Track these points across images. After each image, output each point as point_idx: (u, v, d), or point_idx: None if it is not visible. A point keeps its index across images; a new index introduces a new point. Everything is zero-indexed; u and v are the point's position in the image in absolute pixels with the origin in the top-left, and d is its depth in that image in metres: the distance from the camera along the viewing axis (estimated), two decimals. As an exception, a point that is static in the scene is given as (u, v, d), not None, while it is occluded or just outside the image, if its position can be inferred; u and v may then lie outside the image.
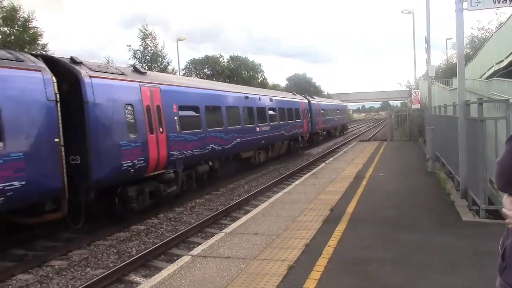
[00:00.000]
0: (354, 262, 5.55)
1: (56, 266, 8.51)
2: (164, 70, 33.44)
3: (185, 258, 5.85)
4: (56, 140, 8.32)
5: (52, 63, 8.92)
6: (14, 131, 7.51)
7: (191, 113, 13.67)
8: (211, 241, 6.64)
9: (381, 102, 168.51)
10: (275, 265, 5.49)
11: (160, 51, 33.78)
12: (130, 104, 10.43)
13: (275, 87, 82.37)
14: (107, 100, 9.69)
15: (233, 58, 60.21)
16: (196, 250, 6.16)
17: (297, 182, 12.23)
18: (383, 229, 7.06)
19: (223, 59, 59.50)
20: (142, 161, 10.76)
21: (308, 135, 28.65)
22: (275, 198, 9.96)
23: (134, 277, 7.78)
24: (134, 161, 10.44)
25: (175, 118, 12.36)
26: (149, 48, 33.49)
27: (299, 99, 28.12)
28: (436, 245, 6.12)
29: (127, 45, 36.40)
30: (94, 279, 7.31)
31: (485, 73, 23.58)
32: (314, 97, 35.71)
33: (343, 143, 34.51)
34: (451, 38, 44.76)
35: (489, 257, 5.54)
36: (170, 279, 5.16)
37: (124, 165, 10.11)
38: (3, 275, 8.04)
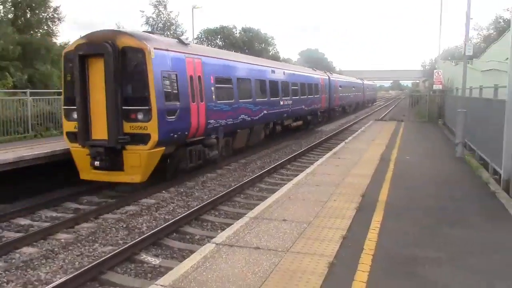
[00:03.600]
0: (402, 262, 4.83)
1: (62, 240, 7.92)
2: None
3: (209, 246, 5.14)
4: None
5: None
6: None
7: (225, 84, 14.47)
8: (235, 226, 5.92)
9: (391, 81, 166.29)
10: (313, 260, 4.77)
11: (174, 19, 32.62)
12: (175, 74, 11.34)
13: (286, 61, 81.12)
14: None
15: (245, 30, 58.85)
16: (221, 237, 5.45)
17: (318, 162, 11.49)
18: (425, 222, 6.32)
19: (236, 30, 58.10)
20: (185, 127, 11.78)
21: (326, 110, 29.79)
22: (298, 179, 9.25)
23: (145, 257, 7.18)
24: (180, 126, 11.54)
25: (212, 88, 13.16)
26: (162, 16, 32.32)
27: (319, 74, 28.62)
28: (492, 245, 5.39)
29: (140, 11, 35.15)
30: (103, 258, 6.70)
31: None
32: (333, 74, 36.92)
33: (355, 122, 33.73)
34: (472, 18, 43.19)
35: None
36: (194, 272, 4.46)
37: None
38: (7, 247, 7.50)
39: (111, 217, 9.51)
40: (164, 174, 11.92)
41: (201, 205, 10.00)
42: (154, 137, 10.39)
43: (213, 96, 13.17)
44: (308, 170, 10.22)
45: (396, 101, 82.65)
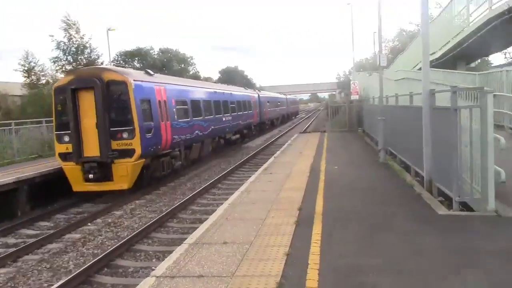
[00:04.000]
0: (348, 273, 4.83)
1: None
2: (93, 63, 31.09)
3: (149, 281, 4.76)
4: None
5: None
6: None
7: (183, 106, 17.30)
8: (175, 255, 5.59)
9: (309, 94, 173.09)
10: (260, 283, 4.60)
11: (87, 42, 31.25)
12: (149, 100, 14.08)
13: (207, 80, 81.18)
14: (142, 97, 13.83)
15: (163, 51, 58.23)
16: (160, 269, 5.10)
17: (251, 179, 11.42)
18: (361, 230, 6.43)
19: (154, 51, 57.28)
20: (158, 142, 14.48)
21: (258, 124, 34.27)
22: (233, 198, 9.07)
23: (74, 300, 6.57)
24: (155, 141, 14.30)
25: (174, 110, 15.95)
26: (73, 39, 30.83)
27: (250, 92, 33.36)
28: (426, 246, 5.57)
29: (50, 35, 33.20)
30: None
31: (417, 64, 24.28)
32: (261, 91, 42.26)
33: (280, 136, 34.41)
34: (376, 32, 46.37)
35: (489, 256, 5.11)
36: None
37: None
38: None
39: (32, 258, 8.70)
40: (141, 182, 14.00)
41: (132, 234, 9.53)
42: (138, 151, 13.05)
43: (175, 116, 16.00)
44: (241, 188, 10.10)
45: (316, 112, 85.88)
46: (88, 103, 12.87)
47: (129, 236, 9.40)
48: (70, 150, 13.03)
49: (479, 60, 28.63)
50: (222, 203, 9.19)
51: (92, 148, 12.92)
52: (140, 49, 54.17)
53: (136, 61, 54.52)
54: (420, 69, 20.18)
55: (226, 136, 24.38)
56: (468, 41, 17.65)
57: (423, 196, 8.29)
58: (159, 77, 16.22)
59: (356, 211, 7.59)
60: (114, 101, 13.03)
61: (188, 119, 17.46)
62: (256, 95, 34.75)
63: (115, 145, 12.86)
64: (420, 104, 9.10)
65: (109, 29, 29.00)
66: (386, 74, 22.49)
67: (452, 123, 7.13)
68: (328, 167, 12.52)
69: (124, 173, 12.91)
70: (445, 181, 7.76)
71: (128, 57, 53.53)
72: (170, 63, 56.48)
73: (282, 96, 55.72)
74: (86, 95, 12.87)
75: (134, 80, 13.30)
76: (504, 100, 12.80)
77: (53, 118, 13.67)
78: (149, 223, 10.35)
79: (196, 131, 18.30)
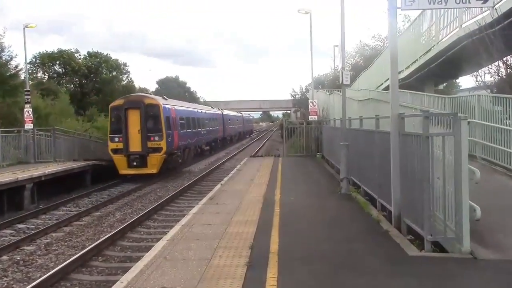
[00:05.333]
0: (310, 325, 4.78)
1: None
2: (5, 66, 29.93)
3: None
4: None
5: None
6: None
7: (183, 121, 28.15)
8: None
9: (261, 113, 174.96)
10: (207, 338, 4.44)
11: (-1, 41, 29.98)
12: (167, 116, 24.59)
13: (142, 91, 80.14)
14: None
15: (91, 55, 56.93)
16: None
17: (194, 210, 11.24)
18: (324, 271, 6.44)
19: (79, 55, 55.97)
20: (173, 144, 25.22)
21: (221, 138, 46.03)
22: (173, 233, 8.84)
23: None
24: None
25: (179, 123, 26.72)
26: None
27: (216, 110, 46.66)
28: (397, 292, 5.66)
29: None
30: None
31: (382, 83, 25.24)
32: (223, 109, 54.20)
33: (226, 159, 34.49)
34: (338, 45, 47.81)
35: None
36: None
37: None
38: None
39: None
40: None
41: (47, 275, 9.01)
42: (164, 149, 23.19)
43: (179, 128, 26.89)
44: (183, 221, 9.90)
45: (269, 133, 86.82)
46: (134, 117, 23.25)
47: (42, 278, 8.91)
48: (120, 147, 23.09)
49: (445, 84, 30.17)
50: (159, 238, 8.99)
51: (135, 145, 23.15)
52: (62, 51, 52.74)
53: (57, 65, 53.05)
54: (385, 89, 21.10)
55: (202, 146, 35.27)
56: (436, 61, 18.60)
57: (391, 234, 8.45)
58: (170, 101, 27.76)
59: (317, 249, 7.61)
60: (150, 116, 23.56)
61: (185, 131, 28.51)
62: (220, 113, 47.78)
63: (150, 144, 23.18)
64: (388, 129, 9.36)
65: (26, 26, 27.68)
66: (348, 93, 23.19)
67: (423, 152, 7.36)
68: (283, 197, 12.58)
69: (155, 162, 23.11)
70: (415, 217, 7.95)
71: (48, 60, 51.92)
72: (99, 70, 55.32)
73: (239, 114, 68.53)
74: (133, 112, 23.35)
75: (163, 104, 24.53)
76: (475, 128, 13.47)
77: (108, 126, 24.45)
78: (68, 261, 9.89)
79: (189, 140, 29.51)
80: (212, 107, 47.03)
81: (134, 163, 22.95)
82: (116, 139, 23.22)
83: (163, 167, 24.00)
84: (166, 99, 26.82)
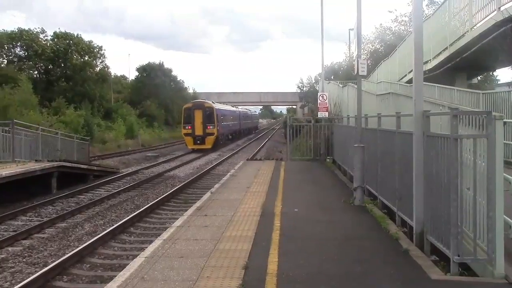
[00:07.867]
0: None
1: None
2: None
3: None
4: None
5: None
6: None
7: (223, 116, 55.95)
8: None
9: (261, 107, 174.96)
10: None
11: None
12: (217, 114, 52.21)
13: (120, 81, 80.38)
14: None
15: (59, 36, 57.05)
16: None
17: (178, 222, 11.30)
18: (332, 299, 6.50)
19: (44, 36, 56.13)
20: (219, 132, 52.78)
21: (248, 129, 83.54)
22: (153, 249, 8.90)
23: None
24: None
25: (221, 118, 53.77)
26: None
27: (245, 109, 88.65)
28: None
29: None
30: None
31: (405, 75, 25.34)
32: (239, 107, 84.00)
33: (218, 162, 34.69)
34: (353, 29, 47.67)
35: None
36: None
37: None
38: None
39: None
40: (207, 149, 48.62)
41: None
42: (215, 134, 49.28)
43: (221, 122, 52.81)
44: (164, 236, 9.97)
45: (270, 132, 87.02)
46: (198, 115, 48.39)
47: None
48: (189, 131, 47.87)
49: (480, 77, 30.27)
50: (136, 255, 9.05)
51: (199, 131, 47.75)
52: (22, 31, 52.95)
53: (18, 47, 53.24)
54: (409, 81, 21.16)
55: (229, 135, 61.35)
56: (470, 50, 18.62)
57: (411, 254, 8.52)
58: (216, 104, 53.67)
59: (324, 272, 7.66)
60: (208, 115, 48.66)
61: (223, 123, 54.11)
62: (244, 110, 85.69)
63: (207, 130, 47.99)
64: (411, 129, 9.40)
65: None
66: (365, 85, 23.23)
67: (451, 157, 7.41)
68: (285, 209, 12.64)
69: (210, 142, 48.12)
70: (440, 234, 8.02)
71: (6, 42, 52.09)
72: (68, 54, 55.42)
73: (234, 108, 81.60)
74: (198, 111, 48.56)
75: (216, 108, 50.65)
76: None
77: (182, 119, 49.50)
78: (26, 281, 9.94)
79: (224, 129, 55.75)
80: (237, 107, 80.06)
81: (198, 142, 47.41)
82: (187, 127, 47.88)
83: (214, 144, 48.27)
84: (214, 103, 52.89)
